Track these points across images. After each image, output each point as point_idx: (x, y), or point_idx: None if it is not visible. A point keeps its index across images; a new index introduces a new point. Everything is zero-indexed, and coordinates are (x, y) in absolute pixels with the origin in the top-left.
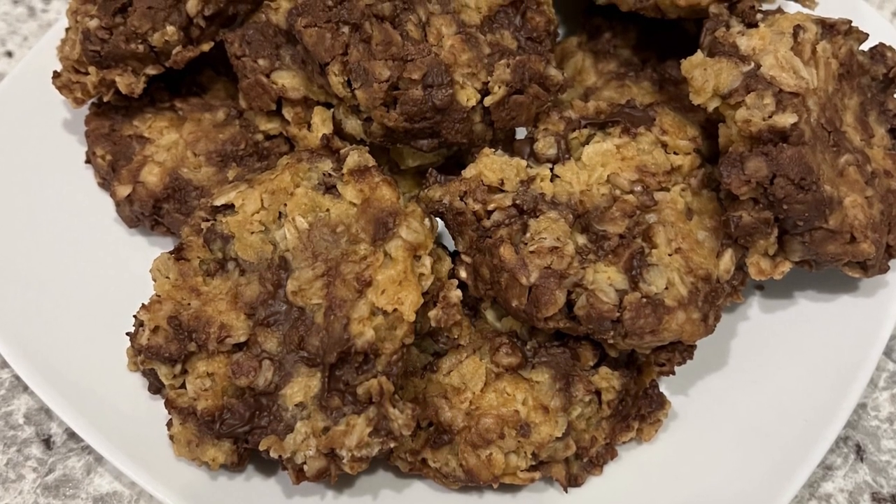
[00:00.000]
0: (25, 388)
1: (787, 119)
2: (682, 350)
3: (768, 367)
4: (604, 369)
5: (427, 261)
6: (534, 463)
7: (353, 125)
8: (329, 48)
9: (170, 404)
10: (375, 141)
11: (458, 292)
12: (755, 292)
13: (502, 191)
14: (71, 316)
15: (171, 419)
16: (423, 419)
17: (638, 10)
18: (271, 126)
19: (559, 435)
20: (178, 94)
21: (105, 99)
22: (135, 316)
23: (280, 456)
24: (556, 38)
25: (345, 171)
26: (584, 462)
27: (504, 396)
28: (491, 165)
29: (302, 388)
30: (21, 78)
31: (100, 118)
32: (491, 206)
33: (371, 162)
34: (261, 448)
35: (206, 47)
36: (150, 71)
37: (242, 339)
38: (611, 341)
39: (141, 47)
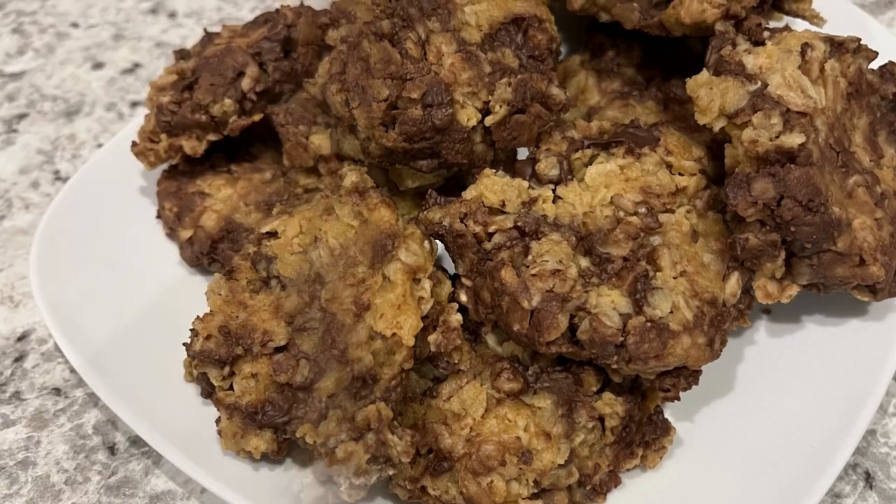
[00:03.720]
0: (95, 404)
1: (794, 139)
2: (687, 375)
3: (775, 392)
4: (607, 395)
5: (426, 284)
6: (536, 491)
7: (350, 146)
8: (328, 67)
9: (218, 402)
10: (374, 161)
11: (459, 316)
12: (762, 316)
13: (503, 212)
14: (140, 340)
15: (219, 417)
16: (423, 446)
17: (642, 27)
18: (309, 181)
19: (562, 462)
20: (234, 160)
21: (173, 163)
22: (191, 328)
23: (314, 442)
24: (559, 57)
25: (343, 191)
26: (587, 490)
27: (505, 423)
28: (492, 186)
29: (334, 381)
30: (110, 153)
31: (169, 180)
32: (492, 228)
33: (369, 183)
34: (297, 435)
35: (257, 118)
36: (211, 137)
37: (282, 342)
38: (614, 366)
39: (204, 117)
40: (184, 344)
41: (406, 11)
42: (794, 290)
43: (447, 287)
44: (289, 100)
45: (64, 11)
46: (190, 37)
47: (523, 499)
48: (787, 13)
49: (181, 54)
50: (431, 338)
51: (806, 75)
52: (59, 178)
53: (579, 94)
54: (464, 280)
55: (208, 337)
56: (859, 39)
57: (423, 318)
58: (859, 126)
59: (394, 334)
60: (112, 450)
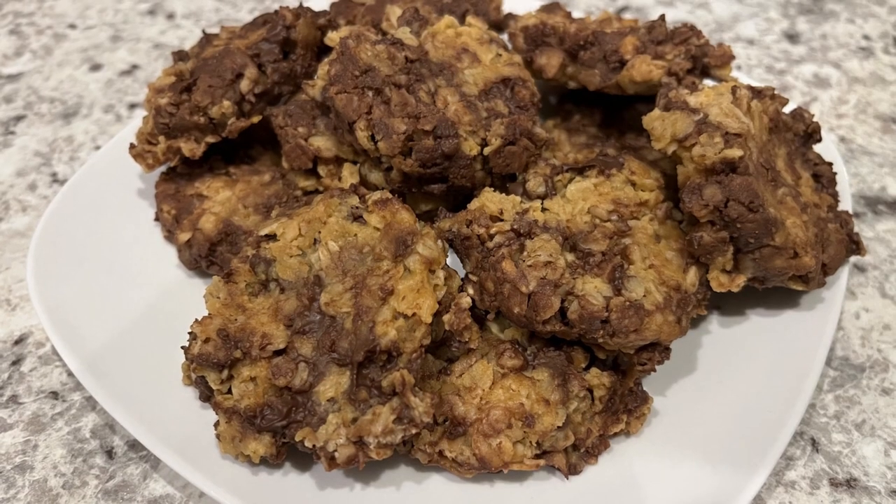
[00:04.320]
0: (93, 408)
1: (735, 152)
2: (660, 350)
3: (731, 374)
4: (594, 370)
5: (441, 274)
6: (538, 452)
7: (376, 177)
8: (356, 108)
9: (217, 406)
10: (395, 187)
11: (468, 299)
12: (714, 311)
13: (501, 219)
14: (138, 343)
15: (217, 420)
16: (440, 415)
17: (602, 88)
18: (308, 183)
19: (560, 424)
20: (232, 162)
21: (172, 164)
22: (189, 331)
23: (314, 445)
24: (539, 108)
25: (369, 202)
26: (581, 452)
27: (510, 392)
28: (492, 199)
29: (333, 385)
30: (107, 155)
31: (167, 182)
32: (493, 231)
33: (390, 196)
34: (297, 439)
35: (255, 119)
36: (209, 139)
37: (281, 345)
38: (600, 340)
39: (202, 119)
40: (182, 347)
41: (419, 71)
42: (741, 280)
43: (457, 281)
44: (288, 101)
45: (61, 13)
46: (188, 38)
47: (528, 459)
48: (712, 78)
49: (179, 56)
50: (446, 317)
51: (737, 108)
52: (56, 180)
53: (554, 146)
54: (471, 276)
55: (207, 340)
56: (773, 88)
57: (438, 303)
58: (780, 154)
59: (414, 314)
60: (110, 454)
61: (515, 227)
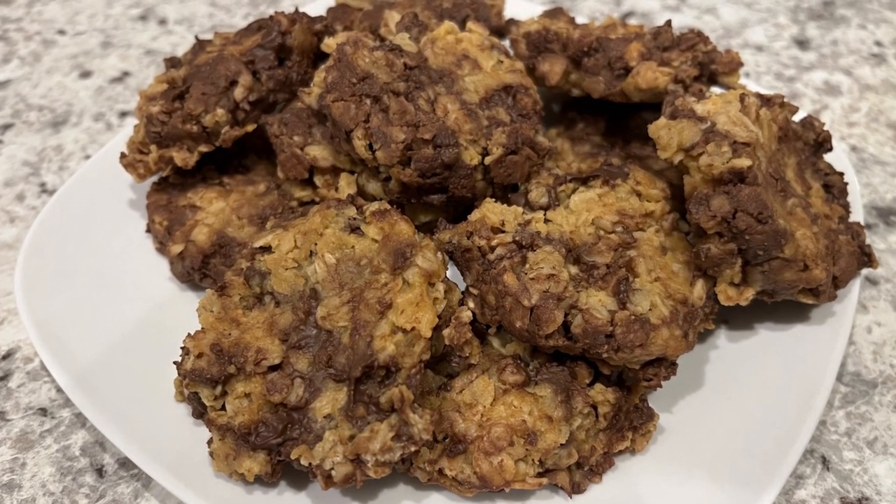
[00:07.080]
0: (83, 425)
1: (743, 162)
2: (666, 366)
3: (740, 392)
4: (599, 386)
5: (440, 287)
6: (541, 470)
7: (373, 187)
8: (353, 117)
9: (210, 423)
10: (393, 197)
11: (469, 313)
12: (721, 325)
13: (503, 231)
14: (129, 358)
15: (211, 438)
16: (440, 432)
17: (606, 96)
18: (304, 193)
19: (563, 441)
20: (226, 172)
21: (164, 174)
22: (182, 346)
23: (310, 463)
24: (542, 116)
25: (367, 213)
26: (585, 470)
27: (512, 409)
28: (493, 210)
29: (330, 401)
30: (98, 164)
31: (159, 193)
32: (494, 242)
33: (388, 206)
34: (292, 457)
35: (249, 128)
36: (203, 148)
37: (277, 361)
38: (605, 355)
39: (195, 128)
40: (174, 362)
41: (418, 78)
42: (750, 293)
43: (457, 294)
44: (283, 110)
45: (50, 18)
46: (181, 44)
47: (530, 477)
48: (720, 85)
49: (172, 62)
50: (446, 332)
51: (746, 116)
52: (45, 190)
53: (557, 155)
54: (471, 289)
55: (200, 355)
56: (783, 96)
57: (438, 317)
58: (790, 164)
59: (413, 328)
60: (100, 472)
61: (517, 238)
